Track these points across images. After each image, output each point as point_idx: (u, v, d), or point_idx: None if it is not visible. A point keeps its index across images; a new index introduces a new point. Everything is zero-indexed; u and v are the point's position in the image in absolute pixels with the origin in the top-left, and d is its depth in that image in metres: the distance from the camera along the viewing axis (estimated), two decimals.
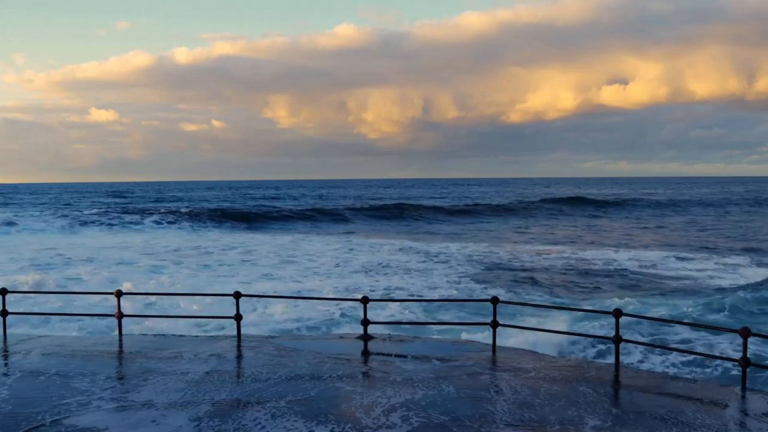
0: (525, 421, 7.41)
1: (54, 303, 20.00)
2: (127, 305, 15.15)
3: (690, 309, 21.06)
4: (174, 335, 12.92)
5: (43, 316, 17.51)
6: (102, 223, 54.66)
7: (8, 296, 11.90)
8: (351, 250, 38.87)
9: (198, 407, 7.86)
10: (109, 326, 16.47)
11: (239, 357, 10.56)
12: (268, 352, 10.73)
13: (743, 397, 8.46)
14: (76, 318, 18.08)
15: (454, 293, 24.54)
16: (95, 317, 16.91)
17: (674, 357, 15.15)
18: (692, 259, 35.25)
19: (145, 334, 13.23)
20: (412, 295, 24.06)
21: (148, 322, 17.40)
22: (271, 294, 23.35)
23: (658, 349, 14.63)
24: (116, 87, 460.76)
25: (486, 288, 25.59)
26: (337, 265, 32.08)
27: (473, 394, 8.50)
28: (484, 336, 13.37)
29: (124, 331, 12.11)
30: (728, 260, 34.66)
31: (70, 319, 18.16)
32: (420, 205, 77.98)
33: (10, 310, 12.06)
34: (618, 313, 9.98)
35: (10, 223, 53.63)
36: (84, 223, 54.40)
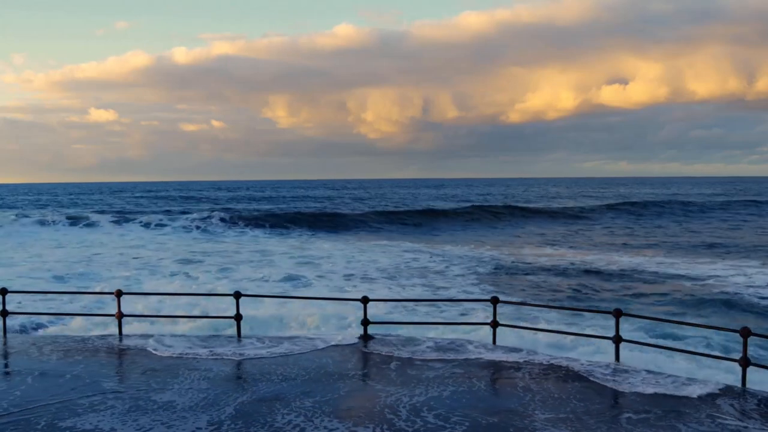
0: (559, 416, 7.60)
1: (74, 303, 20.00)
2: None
3: None
4: (173, 335, 12.91)
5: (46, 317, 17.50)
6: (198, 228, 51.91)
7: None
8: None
9: (222, 409, 7.84)
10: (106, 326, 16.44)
11: (242, 357, 10.55)
12: (274, 352, 10.72)
13: (743, 396, 8.46)
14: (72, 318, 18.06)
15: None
16: (95, 317, 16.90)
17: (674, 357, 15.14)
18: None
19: (146, 334, 13.22)
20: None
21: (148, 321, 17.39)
22: (271, 294, 23.34)
23: (658, 349, 14.63)
24: (115, 87, 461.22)
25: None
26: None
27: (498, 392, 8.65)
28: (484, 336, 13.36)
29: (124, 331, 12.12)
30: None
31: (71, 319, 18.13)
32: (524, 207, 71.98)
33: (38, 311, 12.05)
34: (618, 313, 10.01)
35: (160, 225, 52.59)
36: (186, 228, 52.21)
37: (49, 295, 20.76)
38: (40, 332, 15.75)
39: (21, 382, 8.97)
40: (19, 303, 17.74)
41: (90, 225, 52.38)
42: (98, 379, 9.08)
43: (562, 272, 29.09)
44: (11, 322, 14.30)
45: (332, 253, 36.04)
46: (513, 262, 32.42)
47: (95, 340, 11.99)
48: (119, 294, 11.87)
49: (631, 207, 74.54)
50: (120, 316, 11.90)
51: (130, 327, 14.46)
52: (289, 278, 27.59)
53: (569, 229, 54.06)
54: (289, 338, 12.47)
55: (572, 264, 31.65)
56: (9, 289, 12.24)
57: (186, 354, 10.56)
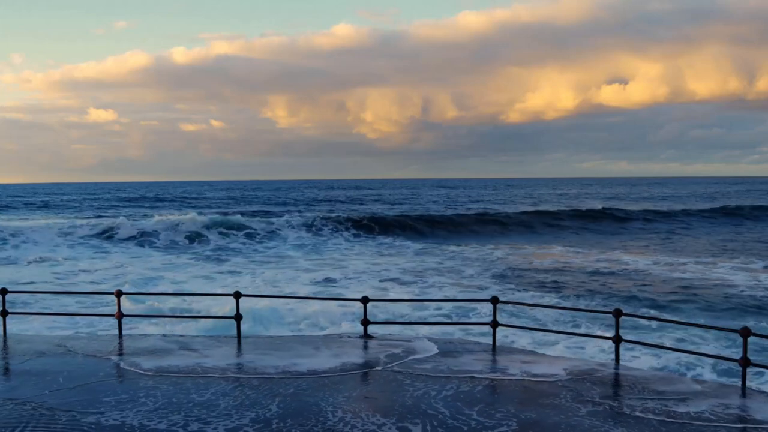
0: (597, 409, 7.76)
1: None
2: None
3: None
4: (175, 335, 12.93)
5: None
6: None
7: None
8: None
9: (266, 408, 7.81)
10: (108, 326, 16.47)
11: (240, 354, 10.56)
12: (278, 351, 10.70)
13: (743, 397, 8.47)
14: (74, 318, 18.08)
15: None
16: (95, 317, 16.93)
17: (674, 357, 15.17)
18: None
19: (146, 334, 13.23)
20: None
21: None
22: (272, 294, 23.37)
23: (659, 349, 14.65)
24: (114, 87, 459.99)
25: None
26: None
27: (518, 390, 8.63)
28: (483, 336, 13.38)
29: (124, 332, 12.11)
30: None
31: (75, 319, 18.16)
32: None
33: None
34: (618, 313, 9.99)
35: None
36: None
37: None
38: (38, 333, 15.75)
39: (25, 381, 8.95)
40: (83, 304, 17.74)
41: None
42: (92, 381, 9.06)
43: None
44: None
45: None
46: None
47: (94, 340, 11.97)
48: (119, 294, 11.87)
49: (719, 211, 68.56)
50: (120, 316, 11.90)
51: (132, 327, 14.49)
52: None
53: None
54: (290, 337, 12.47)
55: None
56: (8, 289, 12.22)
57: (188, 354, 10.54)
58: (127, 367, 9.61)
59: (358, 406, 7.86)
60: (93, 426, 7.19)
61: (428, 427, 7.16)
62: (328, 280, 28.87)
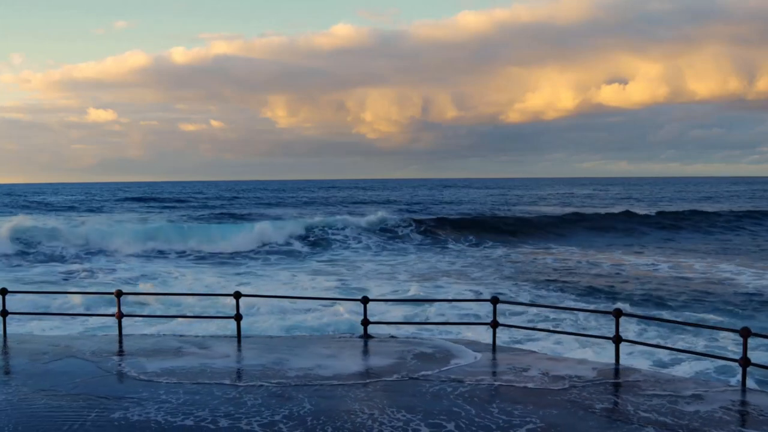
0: (615, 407, 7.90)
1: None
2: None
3: None
4: (174, 335, 12.92)
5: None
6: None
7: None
8: None
9: (300, 404, 7.85)
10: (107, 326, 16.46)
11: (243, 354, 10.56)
12: (278, 350, 10.70)
13: (743, 396, 8.47)
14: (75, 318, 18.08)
15: None
16: (95, 317, 16.93)
17: (674, 357, 15.16)
18: None
19: (146, 334, 13.23)
20: None
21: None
22: (271, 294, 23.37)
23: (658, 349, 14.66)
24: (114, 87, 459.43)
25: None
26: None
27: (528, 389, 8.66)
28: (483, 336, 13.37)
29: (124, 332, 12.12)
30: None
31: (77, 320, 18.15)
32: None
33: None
34: (618, 313, 9.99)
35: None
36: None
37: None
38: (37, 333, 15.76)
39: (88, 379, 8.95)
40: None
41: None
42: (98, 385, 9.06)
43: None
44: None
45: None
46: None
47: (95, 340, 11.97)
48: (119, 294, 11.87)
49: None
50: (120, 316, 11.89)
51: (135, 327, 14.48)
52: None
53: None
54: (289, 338, 12.47)
55: None
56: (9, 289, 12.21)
57: (193, 354, 10.55)
58: (129, 368, 9.61)
59: (376, 405, 7.85)
60: (122, 421, 7.22)
61: (461, 424, 7.17)
62: (342, 280, 28.94)
